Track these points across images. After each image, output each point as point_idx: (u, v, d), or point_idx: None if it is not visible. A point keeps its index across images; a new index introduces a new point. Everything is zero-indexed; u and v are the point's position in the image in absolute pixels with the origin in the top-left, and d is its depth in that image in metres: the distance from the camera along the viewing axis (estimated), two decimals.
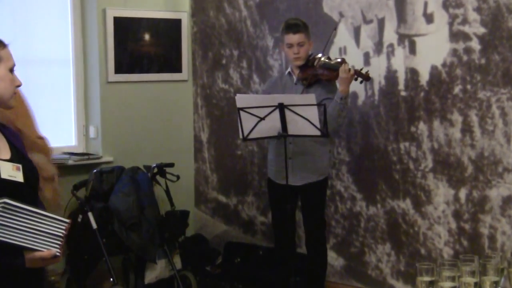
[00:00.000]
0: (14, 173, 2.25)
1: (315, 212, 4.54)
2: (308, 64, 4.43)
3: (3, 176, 2.22)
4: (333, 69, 4.31)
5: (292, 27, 4.40)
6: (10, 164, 2.27)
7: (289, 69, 4.56)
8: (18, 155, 2.33)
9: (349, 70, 4.19)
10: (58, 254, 2.22)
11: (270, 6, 5.24)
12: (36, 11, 5.16)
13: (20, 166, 2.28)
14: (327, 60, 4.37)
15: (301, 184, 4.47)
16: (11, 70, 2.32)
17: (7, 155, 2.30)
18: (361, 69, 4.26)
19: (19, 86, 2.35)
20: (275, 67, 5.25)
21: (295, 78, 4.50)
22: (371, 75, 4.29)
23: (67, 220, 2.25)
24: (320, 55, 4.42)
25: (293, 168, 4.44)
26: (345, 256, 4.97)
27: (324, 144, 4.47)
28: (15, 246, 2.15)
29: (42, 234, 2.19)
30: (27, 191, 2.29)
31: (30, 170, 2.33)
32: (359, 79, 4.27)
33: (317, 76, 4.38)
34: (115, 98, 5.39)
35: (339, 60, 4.35)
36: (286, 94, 4.36)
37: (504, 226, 4.20)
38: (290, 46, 4.40)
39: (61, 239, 2.23)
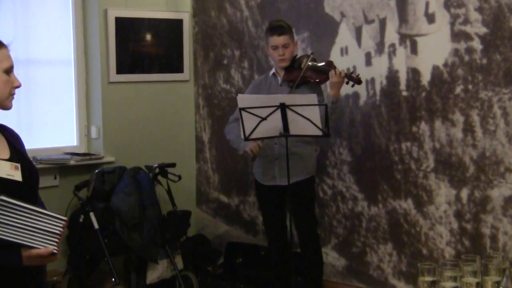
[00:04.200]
0: (12, 172, 2.25)
1: (305, 211, 4.53)
2: (294, 66, 4.44)
3: (1, 175, 2.21)
4: (322, 71, 4.32)
5: (277, 29, 4.39)
6: (8, 163, 2.26)
7: (273, 70, 4.57)
8: (17, 155, 2.33)
9: (340, 74, 4.20)
10: (55, 251, 2.21)
11: (271, 6, 5.24)
12: (37, 12, 5.16)
13: (18, 165, 2.28)
14: (314, 63, 4.39)
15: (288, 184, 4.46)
16: (8, 71, 2.28)
17: (6, 155, 2.30)
18: (352, 72, 4.27)
19: (17, 87, 2.32)
20: None
21: (279, 79, 4.50)
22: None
23: (65, 218, 2.25)
24: (305, 57, 4.42)
25: (280, 168, 4.44)
26: (347, 256, 4.96)
27: (309, 144, 4.49)
28: (12, 243, 2.15)
29: (39, 232, 2.18)
30: (26, 190, 2.28)
31: (29, 169, 2.32)
32: (351, 82, 4.28)
33: (306, 78, 4.38)
34: (116, 99, 5.39)
35: (325, 63, 4.38)
36: (272, 95, 4.33)
37: (506, 226, 4.20)
38: (275, 48, 4.40)
39: (58, 236, 2.22)
